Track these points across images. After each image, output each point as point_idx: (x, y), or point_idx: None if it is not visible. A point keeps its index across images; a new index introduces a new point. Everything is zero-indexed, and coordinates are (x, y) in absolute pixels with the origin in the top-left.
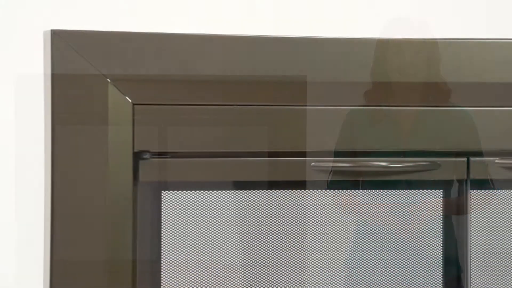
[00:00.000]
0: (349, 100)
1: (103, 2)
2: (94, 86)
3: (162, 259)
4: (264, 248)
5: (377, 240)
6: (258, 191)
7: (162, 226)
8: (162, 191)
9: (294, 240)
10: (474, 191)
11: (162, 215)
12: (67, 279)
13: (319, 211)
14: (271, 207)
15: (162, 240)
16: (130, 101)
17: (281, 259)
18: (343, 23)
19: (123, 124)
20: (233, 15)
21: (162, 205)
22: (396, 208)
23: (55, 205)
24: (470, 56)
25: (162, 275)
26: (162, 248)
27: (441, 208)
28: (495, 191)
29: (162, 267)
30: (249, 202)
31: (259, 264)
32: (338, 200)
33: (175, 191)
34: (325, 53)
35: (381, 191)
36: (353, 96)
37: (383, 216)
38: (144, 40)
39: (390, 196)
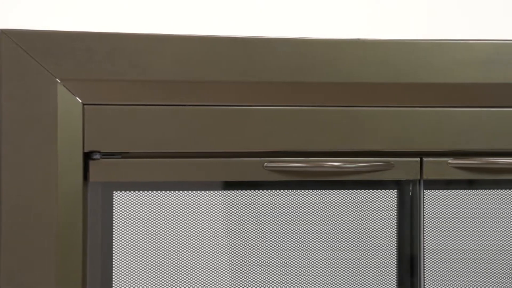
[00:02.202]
0: (305, 100)
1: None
2: (43, 86)
3: (113, 261)
4: (217, 250)
5: (330, 241)
6: (211, 192)
7: (113, 227)
8: (114, 192)
9: (249, 241)
10: (428, 191)
11: (113, 216)
12: (15, 280)
13: (273, 212)
14: (224, 208)
15: (113, 240)
16: (80, 101)
17: (235, 260)
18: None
19: (73, 124)
20: (189, 14)
21: (114, 205)
22: (349, 208)
23: (2, 206)
24: (426, 56)
25: (113, 277)
26: (113, 249)
27: (396, 209)
28: (448, 191)
29: (113, 269)
30: (202, 202)
31: (213, 266)
32: (290, 200)
33: (127, 192)
34: (279, 54)
35: (335, 191)
36: (308, 96)
37: (336, 216)
38: (95, 40)
39: (343, 197)
